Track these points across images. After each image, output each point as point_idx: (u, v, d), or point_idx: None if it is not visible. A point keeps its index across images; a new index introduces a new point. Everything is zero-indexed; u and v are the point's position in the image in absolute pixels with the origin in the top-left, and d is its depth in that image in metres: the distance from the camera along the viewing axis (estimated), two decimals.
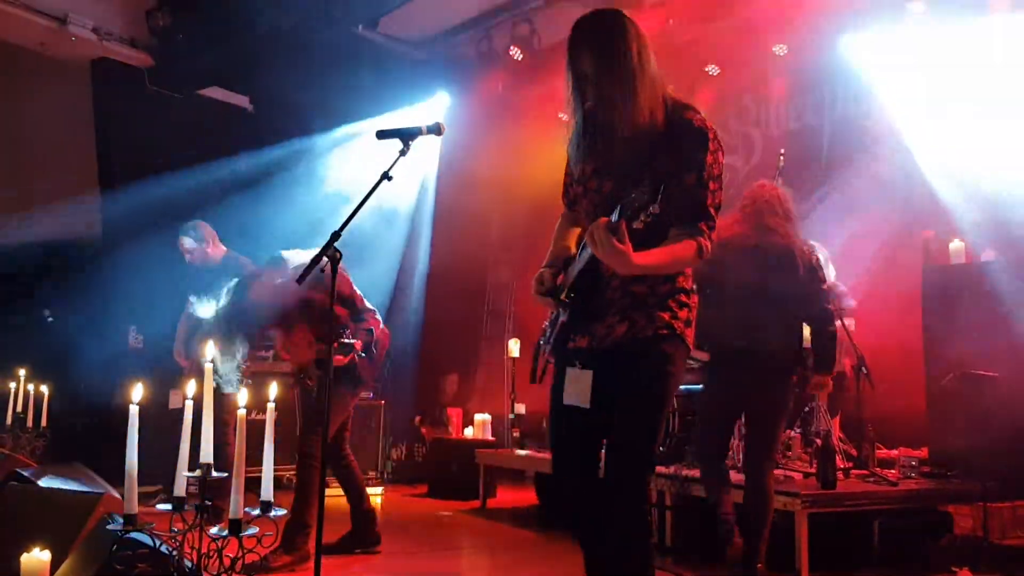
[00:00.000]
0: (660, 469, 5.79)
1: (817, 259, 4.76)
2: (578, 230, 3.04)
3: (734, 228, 4.67)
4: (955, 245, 6.18)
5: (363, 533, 5.39)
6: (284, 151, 8.96)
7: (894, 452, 5.99)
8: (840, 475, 5.45)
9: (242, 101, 9.32)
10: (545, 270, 3.00)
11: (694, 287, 2.91)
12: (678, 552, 5.56)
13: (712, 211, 2.74)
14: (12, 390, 6.10)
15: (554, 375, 3.00)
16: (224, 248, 6.62)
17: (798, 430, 6.32)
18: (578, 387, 2.84)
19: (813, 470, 5.52)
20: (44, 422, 6.21)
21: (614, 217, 2.49)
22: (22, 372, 6.14)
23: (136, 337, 8.02)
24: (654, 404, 2.79)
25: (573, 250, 2.99)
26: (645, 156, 2.74)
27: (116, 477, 5.55)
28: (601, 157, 2.90)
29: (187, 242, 6.50)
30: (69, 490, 3.82)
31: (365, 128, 8.96)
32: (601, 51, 2.77)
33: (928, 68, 6.85)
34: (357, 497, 5.45)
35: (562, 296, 2.91)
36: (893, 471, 5.81)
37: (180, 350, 6.62)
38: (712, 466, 4.89)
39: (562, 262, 3.01)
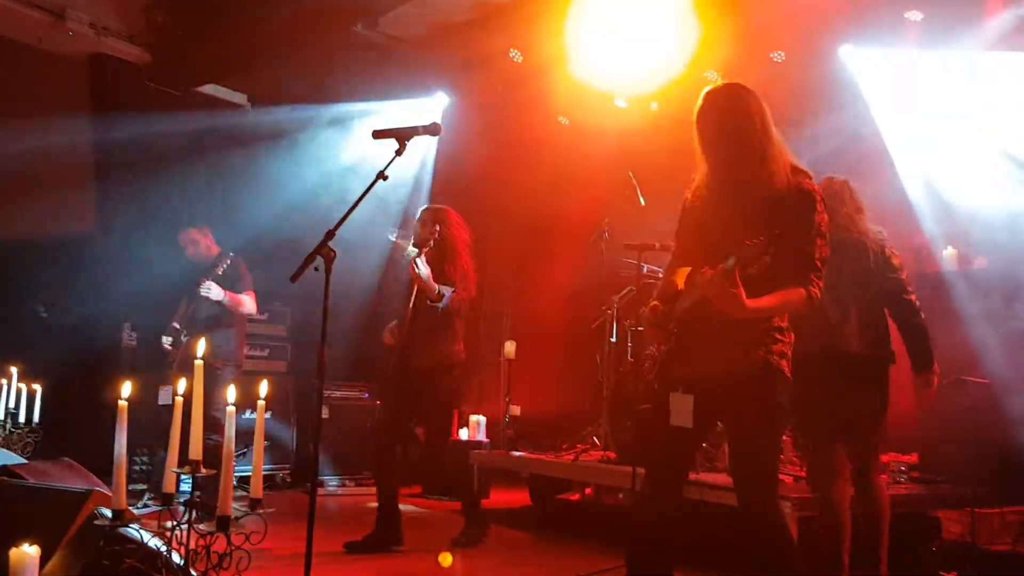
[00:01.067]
0: None
1: (891, 249, 4.62)
2: (687, 269, 3.35)
3: None
4: (948, 252, 6.21)
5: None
6: (281, 149, 8.95)
7: (884, 457, 5.99)
8: None
9: (240, 99, 9.32)
10: (656, 303, 3.41)
11: (788, 326, 3.27)
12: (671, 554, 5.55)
13: (819, 264, 3.16)
14: (4, 386, 6.09)
15: (656, 399, 3.37)
16: (219, 247, 6.72)
17: (790, 434, 6.32)
18: (681, 410, 3.23)
19: (804, 474, 5.52)
20: (36, 418, 6.20)
21: (730, 263, 2.91)
22: (14, 368, 6.13)
23: (130, 334, 8.01)
24: (761, 431, 3.22)
25: (680, 286, 3.37)
26: (762, 213, 3.11)
27: (108, 474, 5.60)
28: (724, 209, 3.29)
29: (194, 233, 6.66)
30: (59, 486, 3.82)
31: (362, 127, 8.96)
32: (734, 120, 3.26)
33: (925, 79, 6.89)
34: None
35: (671, 327, 3.33)
36: (883, 476, 5.81)
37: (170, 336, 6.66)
38: (835, 486, 4.50)
39: (669, 296, 3.40)
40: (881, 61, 7.22)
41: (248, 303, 6.69)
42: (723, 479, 5.64)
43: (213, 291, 6.31)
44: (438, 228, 5.62)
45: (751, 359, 3.17)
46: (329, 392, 8.31)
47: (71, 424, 7.41)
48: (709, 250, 3.18)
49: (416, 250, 5.50)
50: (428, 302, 5.52)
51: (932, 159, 6.80)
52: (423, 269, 5.39)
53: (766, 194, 3.18)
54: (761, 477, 3.22)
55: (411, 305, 5.65)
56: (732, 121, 3.26)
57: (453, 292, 5.58)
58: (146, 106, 8.53)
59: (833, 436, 4.48)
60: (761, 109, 3.28)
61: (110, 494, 3.19)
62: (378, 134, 3.74)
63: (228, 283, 6.48)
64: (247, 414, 7.67)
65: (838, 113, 7.59)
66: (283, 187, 8.58)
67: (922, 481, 5.64)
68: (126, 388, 2.47)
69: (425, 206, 6.07)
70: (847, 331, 4.45)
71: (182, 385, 2.64)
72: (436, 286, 5.48)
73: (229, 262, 6.43)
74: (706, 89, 3.39)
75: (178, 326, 6.57)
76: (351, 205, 4.05)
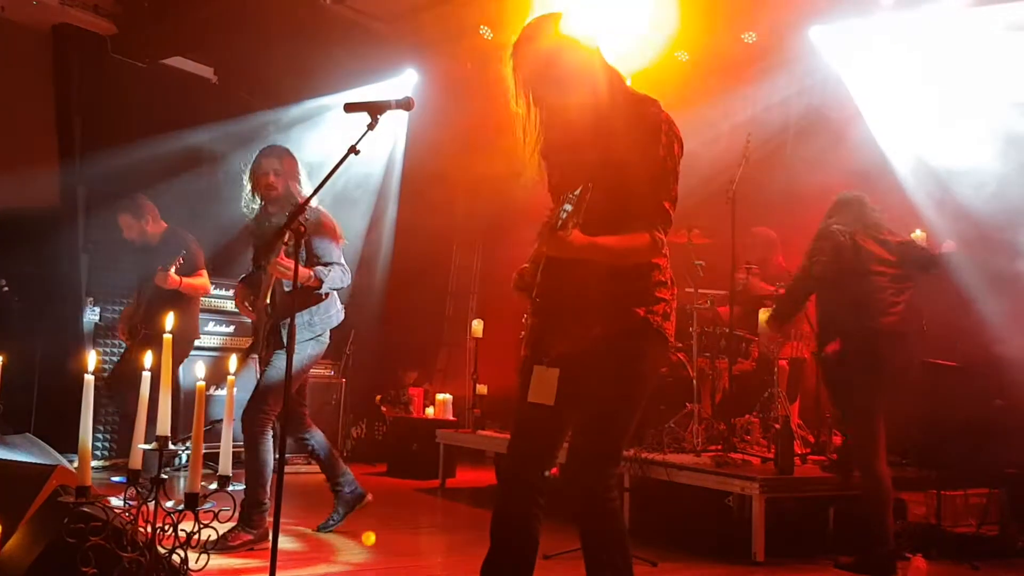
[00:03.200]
0: None
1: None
2: None
3: None
4: (916, 235, 6.24)
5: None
6: (247, 124, 8.85)
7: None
8: (797, 461, 5.52)
9: (206, 72, 9.17)
10: (526, 266, 3.01)
11: (669, 280, 2.84)
12: (637, 535, 5.58)
13: (664, 205, 2.72)
14: None
15: (523, 372, 2.95)
16: (164, 224, 6.52)
17: (758, 415, 6.38)
18: (543, 385, 2.82)
19: (772, 455, 5.58)
20: None
21: (559, 214, 2.49)
22: None
23: (92, 309, 7.90)
24: (622, 404, 2.79)
25: None
26: (593, 153, 2.77)
27: (69, 449, 5.52)
28: (562, 155, 2.97)
29: (125, 218, 6.41)
30: (20, 461, 3.75)
31: (331, 102, 8.88)
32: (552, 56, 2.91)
33: (895, 60, 6.94)
34: None
35: (533, 295, 2.92)
36: None
37: (124, 326, 6.53)
38: (882, 460, 4.78)
39: (536, 261, 2.96)
40: (853, 40, 7.25)
41: (202, 283, 6.47)
42: (690, 460, 5.68)
43: (168, 281, 6.05)
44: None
45: (628, 318, 2.74)
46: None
47: (32, 399, 7.32)
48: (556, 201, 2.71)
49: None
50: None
51: (910, 133, 6.86)
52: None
53: (597, 131, 2.80)
54: (607, 453, 2.82)
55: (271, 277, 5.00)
56: (550, 48, 2.94)
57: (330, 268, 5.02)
58: (111, 78, 8.39)
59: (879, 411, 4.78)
60: (573, 34, 2.93)
61: (73, 471, 3.14)
62: (350, 107, 3.68)
63: (184, 272, 6.22)
64: (214, 390, 7.66)
65: (809, 93, 7.64)
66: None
67: (888, 463, 5.70)
68: (91, 361, 2.42)
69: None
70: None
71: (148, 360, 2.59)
72: (309, 272, 4.91)
73: (182, 260, 6.10)
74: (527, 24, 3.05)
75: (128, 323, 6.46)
76: (321, 180, 4.01)
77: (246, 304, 5.22)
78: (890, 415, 4.89)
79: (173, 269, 6.02)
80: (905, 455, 5.74)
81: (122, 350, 7.98)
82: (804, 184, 6.86)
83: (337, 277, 5.02)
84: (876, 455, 4.78)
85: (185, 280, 6.18)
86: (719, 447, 5.97)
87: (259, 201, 5.06)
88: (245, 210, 5.17)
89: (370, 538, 5.22)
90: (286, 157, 5.09)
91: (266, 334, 5.07)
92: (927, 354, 5.47)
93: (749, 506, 5.06)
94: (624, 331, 2.75)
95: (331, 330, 5.33)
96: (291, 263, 4.51)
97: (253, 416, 4.89)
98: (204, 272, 6.52)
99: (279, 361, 4.96)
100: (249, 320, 8.33)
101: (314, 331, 5.12)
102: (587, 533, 2.81)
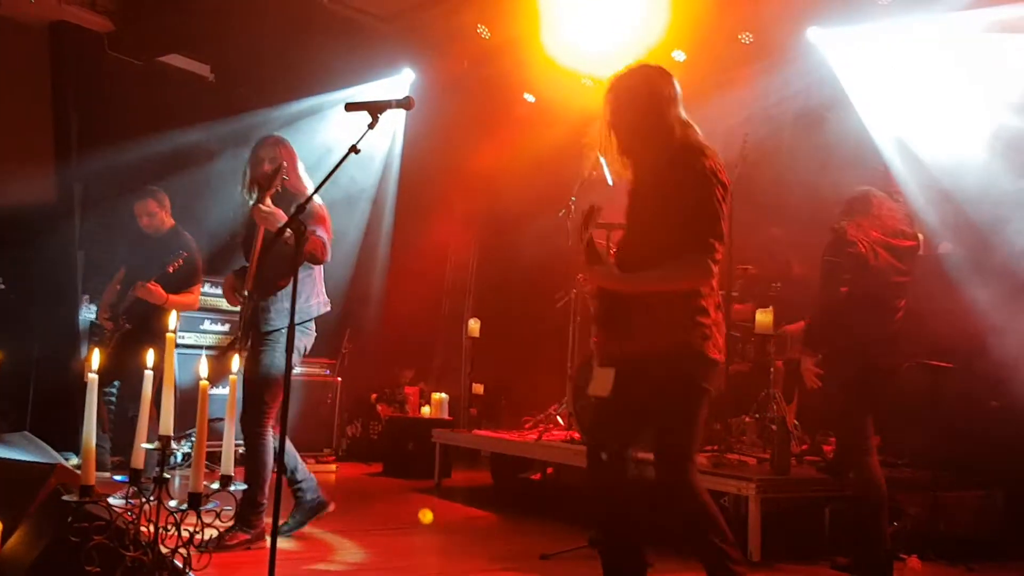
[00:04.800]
0: None
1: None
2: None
3: None
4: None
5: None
6: (244, 122, 8.83)
7: None
8: (793, 461, 5.53)
9: (203, 70, 9.16)
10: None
11: (713, 307, 3.32)
12: None
13: (710, 237, 3.19)
14: None
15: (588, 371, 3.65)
16: (173, 221, 6.49)
17: (754, 415, 6.39)
18: (601, 380, 3.41)
19: (767, 456, 5.59)
20: None
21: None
22: None
23: (89, 307, 7.89)
24: (676, 418, 3.31)
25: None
26: (651, 192, 3.40)
27: (67, 447, 5.51)
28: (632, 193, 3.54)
29: (150, 204, 6.35)
30: (21, 460, 3.75)
31: (328, 101, 8.88)
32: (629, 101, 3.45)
33: (892, 60, 6.97)
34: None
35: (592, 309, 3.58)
36: None
37: (106, 313, 6.44)
38: (874, 460, 4.77)
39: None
40: (850, 40, 7.28)
41: (191, 300, 6.36)
42: None
43: (153, 296, 5.93)
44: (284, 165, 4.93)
45: (671, 340, 3.25)
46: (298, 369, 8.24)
47: (29, 397, 7.31)
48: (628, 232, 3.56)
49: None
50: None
51: (910, 134, 6.88)
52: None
53: (656, 173, 3.37)
54: (675, 458, 3.32)
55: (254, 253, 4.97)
56: (628, 102, 3.45)
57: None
58: (108, 75, 8.37)
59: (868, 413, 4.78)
60: (654, 89, 3.44)
61: (72, 468, 3.14)
62: (351, 107, 3.69)
63: (179, 280, 6.10)
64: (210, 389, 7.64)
65: (806, 93, 7.65)
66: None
67: (883, 464, 5.72)
68: (95, 360, 2.42)
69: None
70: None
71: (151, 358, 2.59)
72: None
73: (181, 261, 5.98)
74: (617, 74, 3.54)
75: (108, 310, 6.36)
76: (323, 179, 4.02)
77: (235, 294, 5.11)
78: (885, 416, 4.91)
79: (172, 268, 5.96)
80: (900, 456, 5.75)
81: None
82: (802, 184, 6.87)
83: (320, 246, 4.86)
84: (868, 456, 4.78)
85: (172, 298, 6.01)
86: (715, 447, 5.98)
87: (254, 194, 5.00)
88: (243, 207, 5.14)
89: (427, 515, 5.19)
90: (283, 146, 5.08)
91: (247, 317, 4.95)
92: (922, 356, 5.48)
93: (745, 506, 5.07)
94: (665, 353, 3.26)
95: (327, 329, 5.27)
96: (274, 208, 4.61)
97: (252, 415, 4.86)
98: (198, 289, 6.42)
99: (267, 357, 4.89)
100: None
101: (299, 317, 4.90)
102: (680, 516, 3.33)
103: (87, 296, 7.97)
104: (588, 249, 3.47)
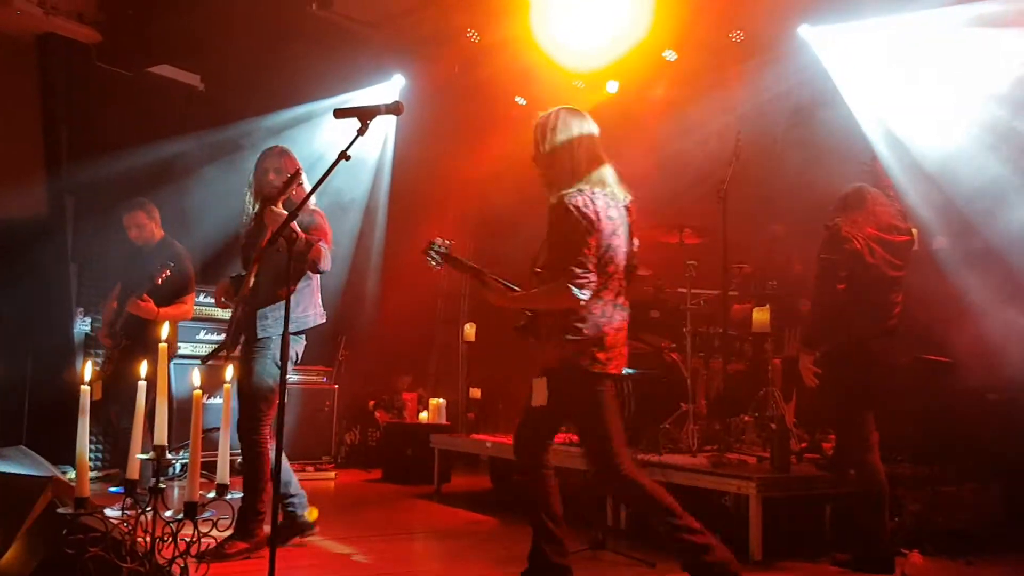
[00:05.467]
0: None
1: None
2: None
3: None
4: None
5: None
6: (235, 131, 8.82)
7: None
8: (793, 459, 5.51)
9: (192, 79, 9.14)
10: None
11: (585, 324, 3.83)
12: (635, 537, 5.58)
13: (576, 264, 3.77)
14: None
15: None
16: (163, 232, 6.47)
17: (753, 414, 6.38)
18: (538, 391, 3.96)
19: (767, 454, 5.57)
20: None
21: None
22: None
23: (83, 320, 7.86)
24: (586, 420, 3.98)
25: None
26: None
27: (64, 460, 5.48)
28: None
29: (139, 216, 6.33)
30: (16, 473, 3.72)
31: (319, 108, 8.86)
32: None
33: (883, 56, 6.98)
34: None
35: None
36: None
37: (105, 330, 6.43)
38: (874, 455, 4.83)
39: None
40: (840, 37, 7.29)
41: (184, 311, 6.35)
42: (686, 460, 5.67)
43: (144, 311, 5.93)
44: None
45: (555, 355, 3.88)
46: (287, 376, 8.19)
47: (24, 411, 7.28)
48: None
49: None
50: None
51: (901, 129, 6.88)
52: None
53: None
54: (598, 454, 3.91)
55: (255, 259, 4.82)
56: (534, 137, 4.04)
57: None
58: (97, 87, 8.34)
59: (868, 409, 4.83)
60: (553, 124, 3.98)
61: (68, 481, 3.12)
62: (340, 113, 3.68)
63: (171, 291, 6.09)
64: (207, 399, 7.62)
65: (798, 90, 7.66)
66: (243, 173, 8.39)
67: (883, 460, 5.71)
68: (87, 372, 2.40)
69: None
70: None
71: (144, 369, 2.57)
72: (298, 231, 4.52)
73: (168, 272, 5.93)
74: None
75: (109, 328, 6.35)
76: (313, 186, 4.01)
77: (223, 299, 5.06)
78: (884, 412, 4.90)
79: (159, 280, 5.93)
80: (900, 452, 5.74)
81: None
82: (795, 181, 6.87)
83: (323, 254, 4.83)
84: (869, 452, 4.78)
85: (163, 311, 5.99)
86: (715, 447, 5.97)
87: (258, 205, 4.99)
88: (245, 218, 5.12)
89: (313, 513, 5.10)
90: (286, 156, 5.09)
91: (238, 323, 4.93)
92: (920, 350, 5.47)
93: (746, 506, 5.05)
94: (556, 367, 3.89)
95: (322, 337, 5.24)
96: (284, 213, 4.46)
97: (249, 424, 4.83)
98: (191, 298, 6.41)
99: (259, 364, 4.86)
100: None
101: (296, 327, 4.91)
102: (624, 501, 4.26)
103: (81, 309, 7.94)
104: (473, 275, 4.26)
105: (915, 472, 5.53)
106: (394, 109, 3.68)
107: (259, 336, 4.89)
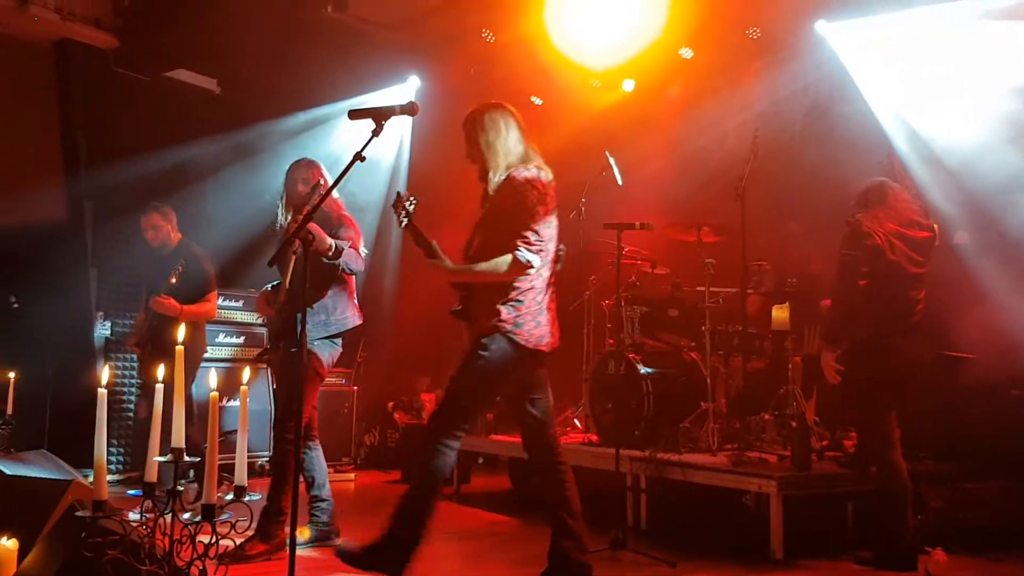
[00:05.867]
0: (635, 453, 5.79)
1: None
2: None
3: None
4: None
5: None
6: (252, 134, 8.84)
7: None
8: (814, 457, 5.48)
9: (209, 84, 9.16)
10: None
11: (529, 299, 4.03)
12: (655, 536, 5.56)
13: (524, 234, 3.95)
14: None
15: None
16: (180, 235, 6.52)
17: (773, 413, 6.34)
18: None
19: (788, 453, 5.54)
20: (10, 409, 6.12)
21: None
22: None
23: (103, 323, 7.90)
24: (456, 389, 4.11)
25: None
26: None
27: (84, 464, 5.51)
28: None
29: (155, 218, 6.38)
30: (36, 477, 3.75)
31: (335, 111, 8.87)
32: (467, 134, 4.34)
33: (902, 51, 6.94)
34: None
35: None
36: None
37: (134, 340, 6.52)
38: (897, 452, 4.81)
39: None
40: (858, 32, 7.24)
41: (207, 309, 6.45)
42: (706, 459, 5.64)
43: (167, 309, 6.05)
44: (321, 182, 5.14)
45: (485, 324, 3.99)
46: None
47: (45, 415, 7.32)
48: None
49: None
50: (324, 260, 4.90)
51: (921, 124, 6.83)
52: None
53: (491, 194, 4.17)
54: (439, 411, 4.08)
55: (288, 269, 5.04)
56: (467, 135, 4.33)
57: (349, 245, 5.03)
58: (114, 92, 8.38)
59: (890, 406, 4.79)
60: (482, 121, 4.24)
61: (88, 485, 3.13)
62: (354, 114, 3.68)
63: (192, 291, 6.20)
64: (227, 402, 7.65)
65: (816, 86, 7.61)
66: (261, 176, 8.42)
67: (905, 457, 5.66)
68: (104, 375, 2.40)
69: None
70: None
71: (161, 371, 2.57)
72: (330, 240, 4.86)
73: (181, 269, 6.04)
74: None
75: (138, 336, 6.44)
76: (328, 187, 4.01)
77: (267, 304, 5.22)
78: (906, 409, 4.86)
79: (173, 279, 5.99)
80: (922, 449, 5.69)
81: (134, 363, 7.98)
82: (814, 178, 6.82)
83: (353, 255, 5.02)
84: (891, 449, 4.74)
85: (186, 308, 6.11)
86: (735, 446, 5.94)
87: (290, 214, 5.23)
88: (277, 227, 5.34)
89: (305, 533, 5.12)
90: (313, 167, 5.27)
91: (278, 329, 5.09)
92: (942, 346, 5.42)
93: (766, 504, 5.02)
94: (481, 334, 3.99)
95: (342, 339, 5.29)
96: (319, 229, 4.72)
97: (283, 425, 4.92)
98: (213, 296, 6.48)
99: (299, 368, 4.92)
100: (263, 331, 8.37)
101: (328, 331, 5.12)
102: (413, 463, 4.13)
103: (100, 313, 7.98)
104: (426, 246, 4.27)
105: (938, 469, 5.49)
106: (408, 110, 3.68)
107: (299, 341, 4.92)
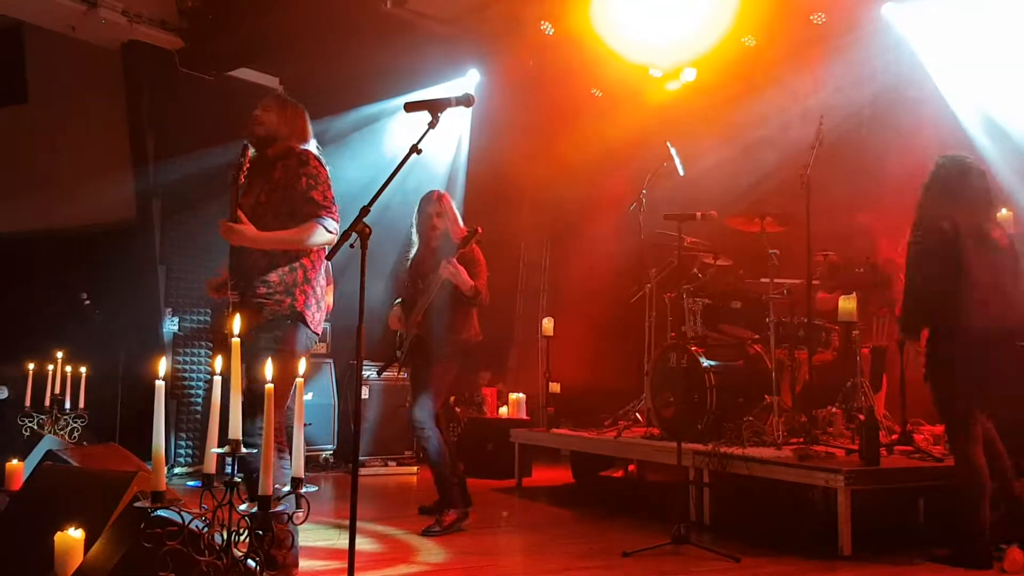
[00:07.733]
0: (698, 446, 5.72)
1: None
2: None
3: None
4: (1002, 214, 6.00)
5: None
6: (314, 129, 8.89)
7: (939, 428, 5.84)
8: (883, 451, 5.35)
9: (271, 81, 9.27)
10: None
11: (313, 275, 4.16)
12: (719, 530, 5.49)
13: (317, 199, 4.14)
14: (50, 372, 6.14)
15: None
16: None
17: (841, 406, 6.21)
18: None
19: (856, 447, 5.41)
20: (83, 403, 6.26)
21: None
22: (60, 354, 6.18)
23: (171, 319, 8.06)
24: None
25: None
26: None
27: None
28: None
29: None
30: (103, 469, 3.82)
31: (395, 106, 8.91)
32: None
33: (972, 33, 6.73)
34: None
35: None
36: (938, 447, 5.68)
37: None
38: (980, 449, 4.68)
39: None
40: (927, 14, 7.05)
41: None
42: (770, 453, 5.55)
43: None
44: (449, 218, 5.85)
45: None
46: (368, 373, 8.27)
47: (116, 409, 7.49)
48: None
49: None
50: (464, 297, 5.66)
51: (995, 108, 6.63)
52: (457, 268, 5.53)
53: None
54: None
55: (431, 294, 5.67)
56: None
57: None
58: (180, 92, 8.53)
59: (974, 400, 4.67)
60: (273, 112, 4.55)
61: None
62: (410, 107, 3.67)
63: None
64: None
65: (883, 72, 7.43)
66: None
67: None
68: (162, 367, 2.43)
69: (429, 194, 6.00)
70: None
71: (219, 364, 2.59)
72: (471, 283, 5.60)
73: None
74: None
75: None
76: (384, 181, 4.00)
77: (399, 321, 5.89)
78: (993, 400, 4.71)
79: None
80: (1003, 439, 5.49)
81: (202, 358, 8.11)
82: (882, 166, 6.67)
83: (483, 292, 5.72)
84: (972, 443, 4.60)
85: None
86: (801, 440, 5.82)
87: (420, 241, 5.90)
88: (412, 252, 6.00)
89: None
90: (444, 199, 5.89)
91: (409, 346, 5.77)
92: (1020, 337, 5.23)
93: (834, 499, 4.91)
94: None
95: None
96: (459, 267, 5.49)
97: (419, 416, 5.65)
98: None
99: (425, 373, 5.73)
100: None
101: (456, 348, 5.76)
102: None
103: (169, 309, 8.13)
104: (231, 210, 4.10)
105: (1014, 462, 5.29)
106: (465, 101, 3.66)
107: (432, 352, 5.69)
